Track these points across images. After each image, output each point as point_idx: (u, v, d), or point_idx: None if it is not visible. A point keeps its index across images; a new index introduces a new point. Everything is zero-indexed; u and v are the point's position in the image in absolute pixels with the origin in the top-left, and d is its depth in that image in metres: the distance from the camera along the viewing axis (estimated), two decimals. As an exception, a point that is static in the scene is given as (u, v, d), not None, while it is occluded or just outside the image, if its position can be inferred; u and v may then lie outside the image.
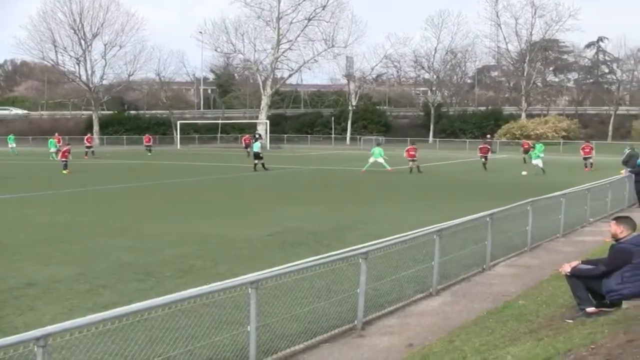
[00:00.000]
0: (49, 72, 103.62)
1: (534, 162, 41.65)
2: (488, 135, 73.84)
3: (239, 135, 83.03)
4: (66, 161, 42.24)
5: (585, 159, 45.06)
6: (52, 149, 57.71)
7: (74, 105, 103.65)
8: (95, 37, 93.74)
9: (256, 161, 44.11)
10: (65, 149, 44.15)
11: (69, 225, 20.14)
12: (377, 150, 43.28)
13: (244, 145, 66.94)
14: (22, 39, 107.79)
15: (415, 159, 41.93)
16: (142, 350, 7.91)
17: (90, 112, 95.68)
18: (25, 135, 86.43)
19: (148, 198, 27.99)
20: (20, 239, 17.86)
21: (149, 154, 64.81)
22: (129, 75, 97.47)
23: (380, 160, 41.84)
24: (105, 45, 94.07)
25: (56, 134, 64.47)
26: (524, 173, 39.26)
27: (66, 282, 12.87)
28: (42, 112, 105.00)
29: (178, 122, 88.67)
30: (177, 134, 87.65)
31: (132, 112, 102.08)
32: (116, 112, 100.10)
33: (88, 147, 60.66)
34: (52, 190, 31.14)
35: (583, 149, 46.63)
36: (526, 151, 51.35)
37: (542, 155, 41.51)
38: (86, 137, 65.50)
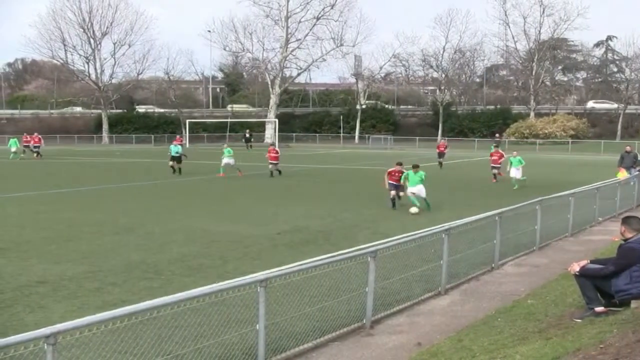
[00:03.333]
0: (59, 70, 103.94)
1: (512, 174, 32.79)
2: (497, 135, 73.62)
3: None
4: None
5: (493, 167, 36.13)
6: (13, 148, 57.61)
7: (84, 103, 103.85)
8: (105, 36, 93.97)
9: (171, 163, 39.96)
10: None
11: (78, 223, 20.19)
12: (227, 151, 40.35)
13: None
14: (32, 37, 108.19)
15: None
16: (151, 349, 7.93)
17: (100, 110, 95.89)
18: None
19: (155, 196, 28.04)
20: (29, 237, 17.94)
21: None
22: (138, 74, 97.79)
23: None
24: (114, 44, 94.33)
25: (35, 134, 62.85)
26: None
27: (76, 280, 12.93)
28: (52, 111, 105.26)
29: (187, 121, 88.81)
30: (186, 133, 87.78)
31: (141, 110, 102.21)
32: (125, 110, 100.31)
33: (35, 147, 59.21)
34: (59, 188, 31.23)
35: (439, 147, 46.41)
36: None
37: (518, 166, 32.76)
38: (32, 136, 62.59)
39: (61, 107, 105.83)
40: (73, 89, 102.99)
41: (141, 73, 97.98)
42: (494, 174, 35.74)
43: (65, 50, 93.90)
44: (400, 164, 24.52)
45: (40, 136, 61.47)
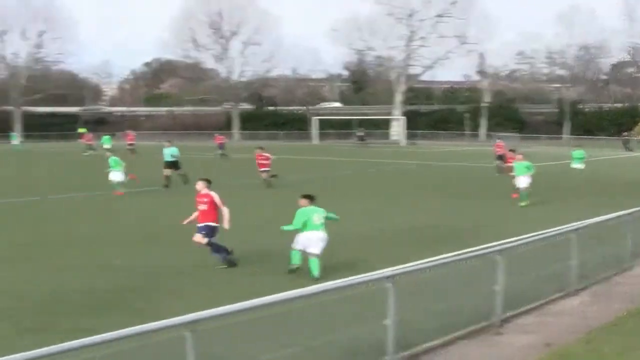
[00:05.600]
0: (191, 69, 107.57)
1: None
2: (625, 133, 70.94)
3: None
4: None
5: None
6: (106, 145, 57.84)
7: (215, 101, 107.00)
8: (234, 36, 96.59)
9: (167, 172, 30.65)
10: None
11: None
12: None
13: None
14: (166, 39, 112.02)
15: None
16: (283, 339, 8.18)
17: (230, 108, 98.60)
18: (170, 130, 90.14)
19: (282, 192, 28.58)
20: (167, 227, 18.85)
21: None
22: (266, 72, 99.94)
23: None
24: (243, 43, 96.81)
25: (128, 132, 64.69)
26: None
27: (210, 269, 13.56)
28: (185, 109, 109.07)
29: (314, 118, 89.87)
30: (314, 130, 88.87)
31: (270, 107, 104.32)
32: (255, 107, 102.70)
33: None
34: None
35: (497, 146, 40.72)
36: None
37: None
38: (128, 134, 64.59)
39: (193, 104, 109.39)
40: (204, 87, 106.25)
41: (269, 71, 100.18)
42: None
43: (197, 50, 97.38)
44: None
45: (134, 133, 63.53)
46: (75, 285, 12.46)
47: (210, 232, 14.06)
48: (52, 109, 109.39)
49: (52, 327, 9.84)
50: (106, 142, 60.34)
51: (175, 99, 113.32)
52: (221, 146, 54.78)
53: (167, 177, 30.01)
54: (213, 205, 14.23)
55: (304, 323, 8.76)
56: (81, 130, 76.98)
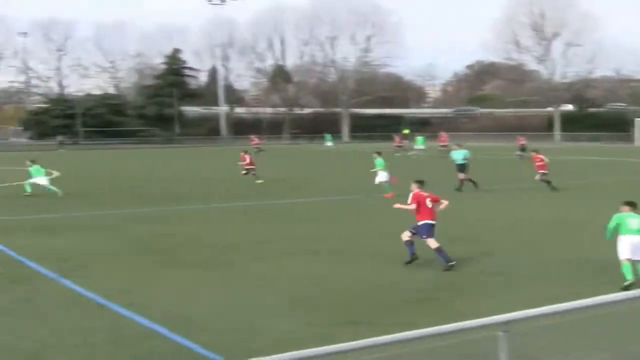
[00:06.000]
0: (513, 71, 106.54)
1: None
2: None
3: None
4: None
5: None
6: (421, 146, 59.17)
7: (538, 103, 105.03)
8: (555, 37, 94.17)
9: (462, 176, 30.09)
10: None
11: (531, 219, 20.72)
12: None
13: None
14: (489, 41, 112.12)
15: None
16: (598, 344, 7.91)
17: (552, 109, 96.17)
18: (490, 132, 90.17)
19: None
20: (492, 229, 18.93)
21: None
22: (588, 74, 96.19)
23: None
24: (565, 44, 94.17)
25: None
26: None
27: (523, 269, 13.45)
28: (507, 110, 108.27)
29: (637, 120, 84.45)
30: (637, 132, 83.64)
31: (591, 109, 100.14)
32: (576, 109, 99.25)
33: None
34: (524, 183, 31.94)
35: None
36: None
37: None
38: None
39: (515, 106, 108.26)
40: (526, 88, 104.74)
41: (591, 72, 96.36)
42: None
43: (519, 52, 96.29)
44: None
45: (446, 135, 63.14)
46: (389, 280, 12.99)
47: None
48: (378, 111, 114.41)
49: (368, 320, 10.30)
50: (420, 143, 61.76)
51: (497, 101, 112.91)
52: (522, 147, 53.82)
53: (461, 181, 29.74)
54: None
55: (620, 327, 8.38)
56: (405, 131, 79.55)
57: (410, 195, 14.41)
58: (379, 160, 28.70)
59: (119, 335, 9.44)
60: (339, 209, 24.43)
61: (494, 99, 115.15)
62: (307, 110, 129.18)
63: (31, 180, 29.62)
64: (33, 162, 30.12)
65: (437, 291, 12.11)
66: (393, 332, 5.75)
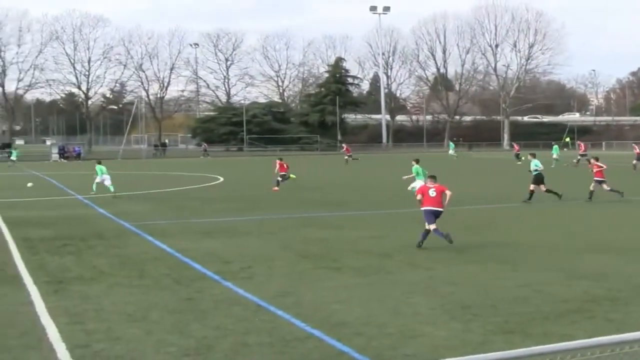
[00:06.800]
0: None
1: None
2: None
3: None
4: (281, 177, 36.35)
5: None
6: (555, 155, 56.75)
7: None
8: None
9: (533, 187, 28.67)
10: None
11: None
12: None
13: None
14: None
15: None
16: None
17: None
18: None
19: None
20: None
21: None
22: None
23: None
24: None
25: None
26: None
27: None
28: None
29: None
30: None
31: None
32: None
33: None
34: None
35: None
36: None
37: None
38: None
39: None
40: None
41: None
42: None
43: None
44: None
45: (586, 144, 62.30)
46: (548, 290, 12.63)
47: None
48: (539, 119, 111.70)
49: (521, 330, 10.09)
50: (555, 151, 59.99)
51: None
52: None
53: (530, 192, 28.45)
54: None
55: None
56: (566, 139, 77.04)
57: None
58: (416, 168, 29.44)
59: (275, 337, 9.75)
60: (496, 217, 24.01)
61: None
62: (467, 118, 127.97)
63: (97, 180, 31.85)
64: (99, 162, 32.32)
65: (592, 302, 11.70)
66: (547, 343, 5.67)
